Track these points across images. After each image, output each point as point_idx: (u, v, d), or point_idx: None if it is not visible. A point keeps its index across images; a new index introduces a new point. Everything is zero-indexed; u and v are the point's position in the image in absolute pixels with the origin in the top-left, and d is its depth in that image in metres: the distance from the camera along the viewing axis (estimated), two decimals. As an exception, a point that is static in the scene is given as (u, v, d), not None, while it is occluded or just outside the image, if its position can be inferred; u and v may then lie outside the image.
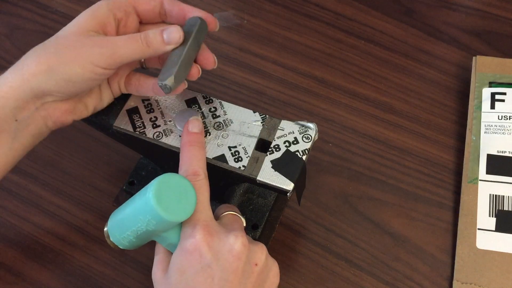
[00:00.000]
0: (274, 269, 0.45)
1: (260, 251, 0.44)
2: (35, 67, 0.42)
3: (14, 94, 0.42)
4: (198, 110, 0.48)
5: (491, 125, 0.60)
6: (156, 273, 0.43)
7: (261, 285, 0.43)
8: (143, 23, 0.48)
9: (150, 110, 0.49)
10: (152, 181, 0.41)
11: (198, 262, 0.41)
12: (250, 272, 0.42)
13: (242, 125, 0.47)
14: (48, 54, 0.42)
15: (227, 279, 0.41)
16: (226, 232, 0.42)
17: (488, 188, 0.57)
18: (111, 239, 0.44)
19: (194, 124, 0.46)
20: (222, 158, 0.46)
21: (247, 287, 0.42)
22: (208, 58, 0.46)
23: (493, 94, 0.61)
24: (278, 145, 0.46)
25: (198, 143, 0.45)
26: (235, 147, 0.46)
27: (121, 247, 0.44)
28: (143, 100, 0.50)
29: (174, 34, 0.43)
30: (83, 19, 0.44)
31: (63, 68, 0.42)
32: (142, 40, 0.43)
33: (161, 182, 0.40)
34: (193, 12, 0.46)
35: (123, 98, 0.50)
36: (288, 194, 0.45)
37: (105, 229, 0.44)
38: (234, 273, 0.41)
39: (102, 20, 0.44)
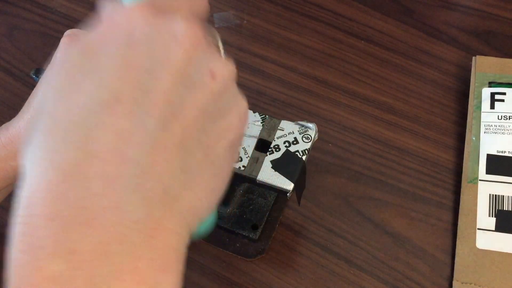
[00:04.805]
0: (239, 105, 0.30)
1: (223, 62, 0.28)
2: None
3: None
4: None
5: (491, 125, 0.60)
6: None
7: (213, 117, 0.27)
8: None
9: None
10: None
11: (119, 37, 0.24)
12: (201, 83, 0.26)
13: (242, 125, 0.47)
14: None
15: (157, 77, 0.24)
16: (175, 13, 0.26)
17: (488, 188, 0.57)
18: None
19: None
20: (222, 158, 0.46)
21: (189, 101, 0.25)
22: None
23: (492, 94, 0.61)
24: (278, 145, 0.46)
25: None
26: (235, 147, 0.46)
27: None
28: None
29: None
30: None
31: None
32: None
33: None
34: None
35: None
36: (288, 194, 0.45)
37: None
38: (170, 69, 0.24)
39: None
